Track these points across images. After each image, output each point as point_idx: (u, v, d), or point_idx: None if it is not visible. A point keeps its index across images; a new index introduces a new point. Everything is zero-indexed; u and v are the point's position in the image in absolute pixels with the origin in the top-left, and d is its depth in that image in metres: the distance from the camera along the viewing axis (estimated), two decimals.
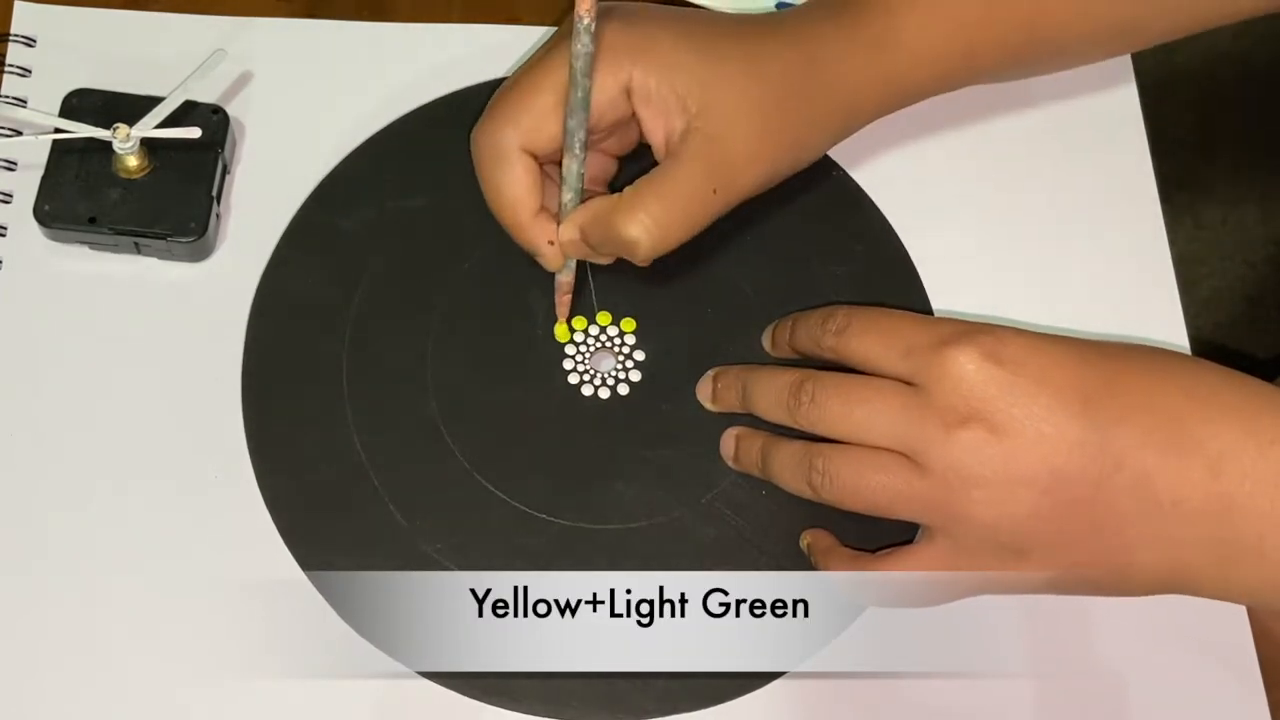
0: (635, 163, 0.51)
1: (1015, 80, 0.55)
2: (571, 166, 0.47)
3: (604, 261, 0.50)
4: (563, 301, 0.52)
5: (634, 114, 0.48)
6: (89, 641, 0.47)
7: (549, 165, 0.49)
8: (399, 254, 0.54)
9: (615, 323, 0.53)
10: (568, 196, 0.48)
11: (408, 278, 0.53)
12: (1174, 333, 0.55)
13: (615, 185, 0.51)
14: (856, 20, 0.49)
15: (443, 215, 0.54)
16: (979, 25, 0.50)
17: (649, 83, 0.47)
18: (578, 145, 0.47)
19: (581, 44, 0.44)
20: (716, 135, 0.47)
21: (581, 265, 0.52)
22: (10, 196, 0.54)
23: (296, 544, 0.49)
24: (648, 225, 0.46)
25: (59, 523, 0.49)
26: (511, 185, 0.48)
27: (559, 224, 0.49)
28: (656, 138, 0.48)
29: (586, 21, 0.43)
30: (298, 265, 0.53)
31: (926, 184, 0.57)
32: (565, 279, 0.51)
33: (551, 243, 0.49)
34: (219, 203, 0.53)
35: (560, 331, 0.53)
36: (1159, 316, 0.55)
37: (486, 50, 0.58)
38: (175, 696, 0.47)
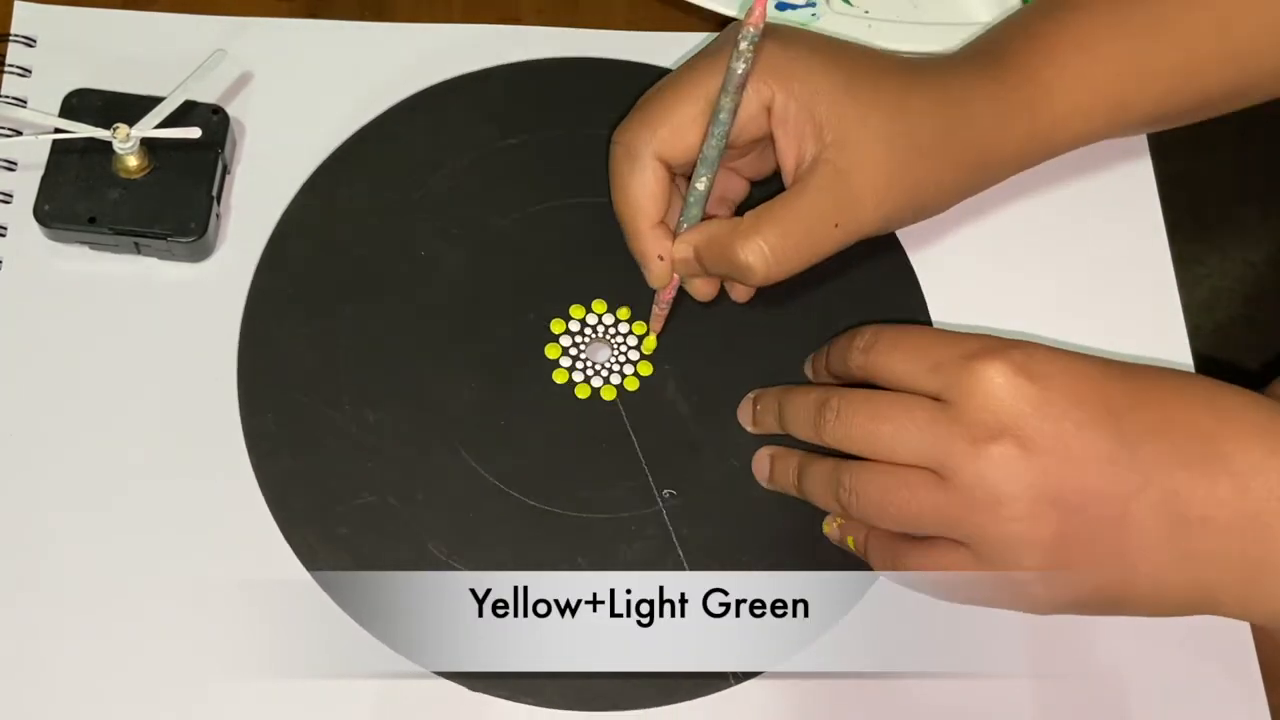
0: (763, 187, 0.50)
1: (1157, 131, 0.55)
2: (700, 182, 0.47)
3: (704, 294, 0.50)
4: (659, 316, 0.52)
5: (770, 134, 0.48)
6: (90, 642, 0.47)
7: (681, 181, 0.49)
8: (397, 251, 0.54)
9: (611, 310, 0.53)
10: (691, 212, 0.48)
11: (407, 274, 0.53)
12: (1174, 332, 0.55)
13: (742, 209, 0.51)
14: (1004, 78, 0.49)
15: (442, 212, 0.54)
16: (1129, 86, 0.50)
17: (789, 105, 0.46)
18: (713, 158, 0.46)
19: (742, 57, 0.43)
20: (846, 169, 0.46)
21: (559, 246, 0.52)
22: (10, 196, 0.54)
23: (298, 543, 0.49)
24: (764, 253, 0.46)
25: (58, 523, 0.49)
26: (638, 189, 0.48)
27: (674, 241, 0.49)
28: (787, 162, 0.48)
29: (753, 33, 0.43)
30: (291, 262, 0.53)
31: None
32: (667, 296, 0.51)
33: (661, 258, 0.49)
34: (219, 203, 0.53)
35: (649, 344, 0.53)
36: (1159, 316, 0.55)
37: (486, 50, 0.58)
38: (177, 697, 0.47)
